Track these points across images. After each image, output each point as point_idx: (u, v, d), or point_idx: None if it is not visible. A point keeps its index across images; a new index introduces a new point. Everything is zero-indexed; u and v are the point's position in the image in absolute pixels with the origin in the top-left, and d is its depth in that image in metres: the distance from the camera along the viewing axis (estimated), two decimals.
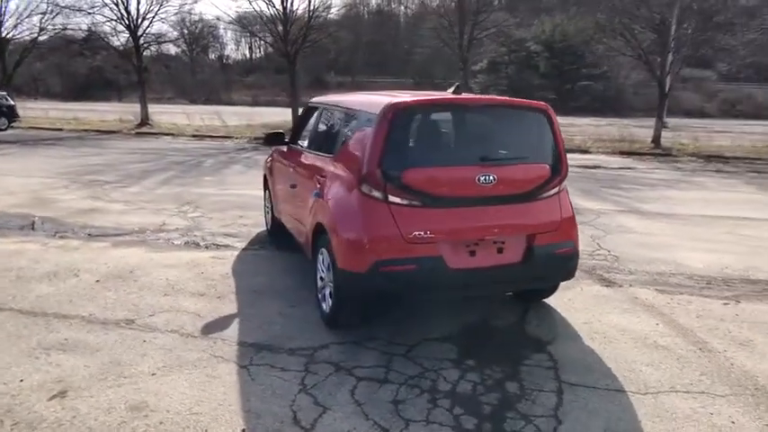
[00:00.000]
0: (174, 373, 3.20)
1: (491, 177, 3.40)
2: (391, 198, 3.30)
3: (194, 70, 49.91)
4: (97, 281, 4.68)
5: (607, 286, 4.67)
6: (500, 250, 3.49)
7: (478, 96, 3.73)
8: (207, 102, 41.69)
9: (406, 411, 2.86)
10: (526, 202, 3.56)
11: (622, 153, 15.04)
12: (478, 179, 3.38)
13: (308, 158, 4.38)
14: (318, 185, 3.89)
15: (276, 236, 5.95)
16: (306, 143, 4.74)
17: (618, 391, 3.07)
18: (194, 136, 18.51)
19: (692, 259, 5.42)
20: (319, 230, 3.84)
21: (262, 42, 58.40)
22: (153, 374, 3.19)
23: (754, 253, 5.70)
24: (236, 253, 5.54)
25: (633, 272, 5.04)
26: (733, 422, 2.80)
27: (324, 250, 3.76)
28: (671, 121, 17.02)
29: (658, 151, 15.25)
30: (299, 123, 5.31)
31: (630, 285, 4.71)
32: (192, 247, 5.75)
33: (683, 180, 10.72)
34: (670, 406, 2.92)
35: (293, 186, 4.65)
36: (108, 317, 3.97)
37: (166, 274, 4.87)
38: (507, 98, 3.78)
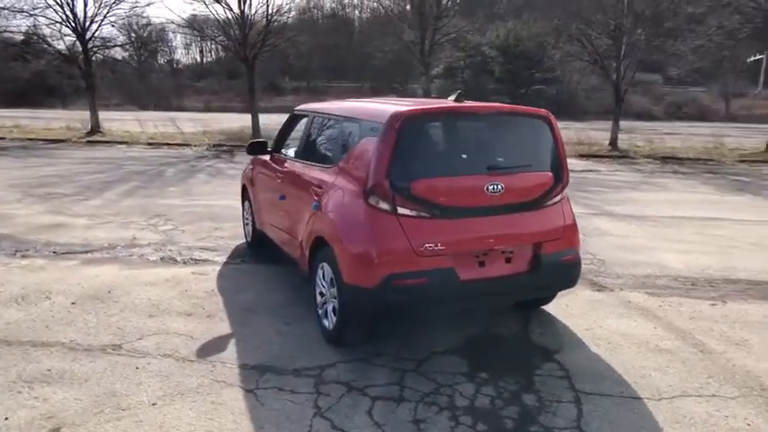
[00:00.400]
0: (177, 402, 3.01)
1: (499, 186, 3.36)
2: (400, 210, 3.21)
3: (142, 75, 48.35)
4: (73, 303, 4.39)
5: (599, 291, 4.72)
6: (508, 260, 3.45)
7: (483, 104, 3.68)
8: (157, 108, 40.40)
9: (429, 430, 2.77)
10: (532, 210, 3.54)
11: (582, 156, 15.43)
12: (487, 188, 3.34)
13: (301, 169, 4.23)
14: (316, 197, 3.76)
15: (258, 249, 5.77)
16: (294, 152, 4.59)
17: (633, 398, 3.08)
18: (150, 144, 17.84)
19: (673, 261, 5.56)
20: (319, 244, 3.71)
21: (213, 46, 57.22)
22: (153, 404, 2.99)
23: (727, 253, 5.90)
24: (217, 268, 5.31)
25: (621, 275, 5.11)
26: (749, 424, 2.84)
27: (325, 265, 3.63)
28: (622, 123, 17.58)
29: (616, 153, 15.73)
30: (284, 132, 5.14)
31: (621, 289, 4.77)
32: (170, 262, 5.48)
33: (645, 182, 11.07)
34: (686, 411, 2.95)
35: (283, 198, 4.49)
36: (92, 343, 3.71)
37: (148, 293, 4.62)
38: (511, 105, 3.75)
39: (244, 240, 6.18)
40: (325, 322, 3.72)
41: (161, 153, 15.76)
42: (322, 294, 3.78)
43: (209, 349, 3.64)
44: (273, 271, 5.19)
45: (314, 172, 3.98)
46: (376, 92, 42.59)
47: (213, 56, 57.92)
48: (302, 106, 4.96)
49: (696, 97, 32.69)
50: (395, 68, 43.97)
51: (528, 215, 3.52)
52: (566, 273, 3.66)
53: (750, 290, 4.78)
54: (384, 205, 3.22)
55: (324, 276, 3.68)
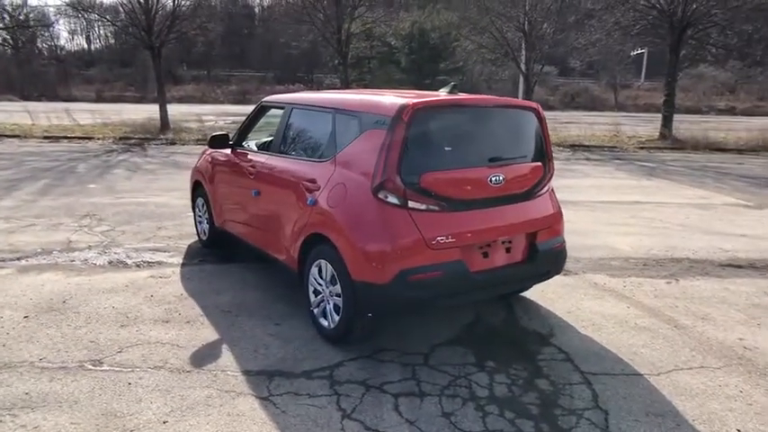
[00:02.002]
0: (189, 417, 2.79)
1: (500, 178, 3.43)
2: (411, 204, 3.18)
3: (22, 62, 43.81)
4: (26, 317, 3.92)
5: (565, 275, 4.96)
6: (508, 250, 3.53)
7: (482, 96, 3.72)
8: (43, 98, 36.87)
9: (463, 423, 2.79)
10: (526, 200, 3.64)
11: None
12: (490, 180, 3.39)
13: (283, 163, 4.04)
14: (310, 193, 3.62)
15: (215, 247, 5.47)
16: (272, 146, 4.37)
17: (635, 374, 3.28)
18: (46, 138, 16.26)
19: (619, 243, 5.97)
20: (314, 241, 3.58)
21: (102, 32, 53.01)
22: (164, 422, 2.75)
23: (663, 234, 6.43)
24: (176, 270, 4.97)
25: (579, 259, 5.41)
26: (741, 391, 3.13)
27: (323, 262, 3.52)
28: None
29: None
30: (248, 124, 4.89)
31: (584, 272, 5.05)
32: (120, 266, 5.05)
33: (565, 168, 11.75)
34: (685, 384, 3.19)
35: (258, 193, 4.27)
36: (66, 359, 3.34)
37: (109, 301, 4.23)
38: (506, 98, 3.81)
39: (195, 240, 5.84)
40: (323, 321, 3.61)
41: (62, 147, 14.43)
42: (317, 293, 3.66)
43: (203, 357, 3.40)
44: (241, 269, 4.95)
45: (302, 166, 3.82)
46: (282, 82, 41.72)
47: (102, 42, 53.80)
48: (273, 97, 4.73)
49: (588, 88, 35.19)
50: (301, 58, 43.30)
51: (523, 205, 3.62)
52: (557, 260, 3.82)
53: (693, 268, 5.25)
54: (394, 199, 3.17)
55: (321, 274, 3.56)
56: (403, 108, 3.18)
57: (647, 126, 21.49)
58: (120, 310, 4.08)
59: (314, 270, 3.64)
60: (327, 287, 3.53)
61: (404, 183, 3.16)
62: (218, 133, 4.98)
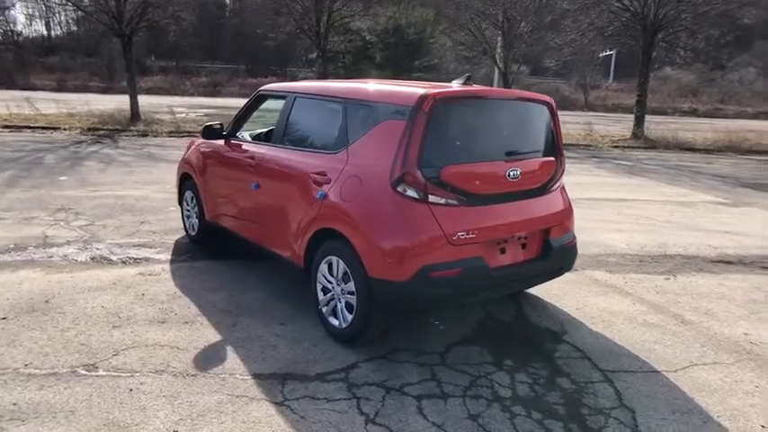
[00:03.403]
0: (202, 426, 2.61)
1: (517, 172, 3.34)
2: (431, 198, 3.06)
3: None
4: (3, 318, 3.65)
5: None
6: (524, 246, 3.45)
7: (499, 89, 3.61)
8: None
9: (491, 425, 2.69)
10: (540, 196, 3.57)
11: None
12: (508, 174, 3.30)
13: (287, 155, 3.86)
14: (319, 186, 3.45)
15: (206, 243, 5.24)
16: (273, 137, 4.17)
17: (653, 371, 3.25)
18: (6, 127, 15.49)
19: (613, 240, 5.98)
20: (324, 236, 3.43)
21: (63, 19, 51.05)
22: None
23: (652, 231, 6.48)
24: (165, 267, 4.73)
25: (578, 256, 5.37)
26: (756, 387, 3.12)
27: (334, 258, 3.37)
28: None
29: None
30: (244, 114, 4.68)
31: (584, 269, 5.03)
32: (105, 263, 4.78)
33: None
34: (702, 380, 3.17)
35: (257, 186, 4.08)
36: (56, 364, 3.10)
37: (97, 300, 3.98)
38: (521, 91, 3.72)
39: (182, 235, 5.59)
40: (334, 321, 3.46)
41: (26, 137, 13.77)
42: (326, 291, 3.51)
43: (208, 360, 3.21)
44: (236, 266, 4.74)
45: (309, 158, 3.64)
46: (254, 75, 41.00)
47: (63, 29, 51.84)
48: (272, 86, 4.53)
49: (559, 88, 35.67)
50: (274, 51, 42.62)
51: (538, 200, 3.55)
52: (570, 256, 3.76)
53: (687, 264, 5.29)
54: (413, 193, 3.04)
55: (332, 271, 3.41)
56: (424, 98, 3.06)
57: (617, 125, 21.90)
58: (110, 309, 3.84)
59: (323, 267, 3.48)
60: (339, 285, 3.38)
61: (424, 176, 3.04)
62: (211, 123, 4.75)
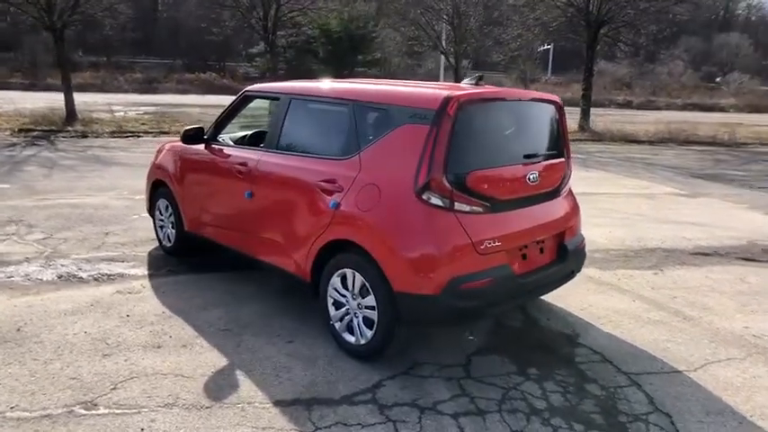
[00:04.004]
0: None
1: (536, 175, 3.26)
2: (457, 205, 2.92)
3: None
4: None
5: None
6: (541, 250, 3.38)
7: (515, 90, 3.50)
8: None
9: None
10: (554, 198, 3.52)
11: None
12: (528, 178, 3.21)
13: (285, 161, 3.60)
14: (329, 195, 3.24)
15: (183, 254, 4.89)
16: (266, 142, 3.89)
17: (675, 371, 3.26)
18: None
19: (594, 235, 6.04)
20: (336, 248, 3.23)
21: None
22: None
23: (627, 225, 6.63)
24: (144, 283, 4.38)
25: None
26: None
27: (349, 272, 3.18)
28: None
29: None
30: (226, 117, 4.37)
31: None
32: (75, 281, 4.37)
33: None
34: (723, 377, 3.21)
35: (251, 195, 3.81)
36: (47, 404, 2.76)
37: (78, 325, 3.61)
38: (533, 91, 3.63)
39: (154, 246, 5.21)
40: (349, 337, 3.27)
41: None
42: (338, 305, 3.31)
43: (220, 388, 2.96)
44: (224, 280, 4.45)
45: (314, 165, 3.42)
46: (192, 70, 39.47)
47: None
48: (261, 86, 4.23)
49: (501, 82, 36.36)
50: (211, 46, 41.21)
51: (553, 203, 3.50)
52: (581, 258, 3.73)
53: (669, 257, 5.42)
54: (439, 201, 2.90)
55: (347, 285, 3.22)
56: (448, 100, 2.91)
57: None
58: (94, 335, 3.49)
59: (335, 280, 3.28)
60: (355, 299, 3.19)
61: (449, 183, 2.90)
62: (191, 127, 4.42)
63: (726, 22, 40.20)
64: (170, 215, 4.86)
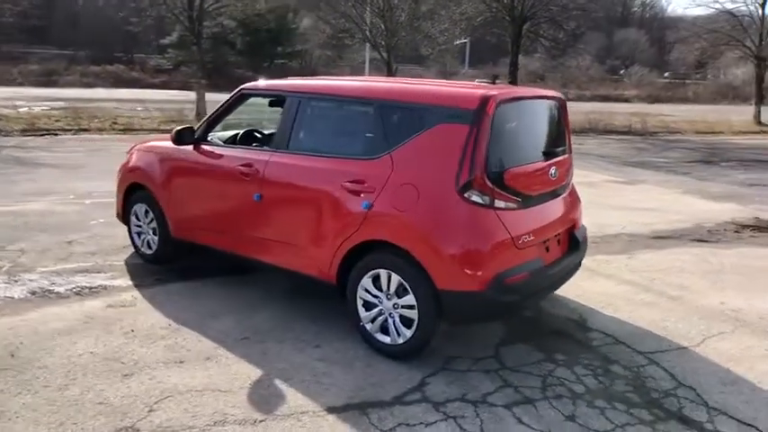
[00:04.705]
0: None
1: (555, 171, 3.40)
2: (496, 202, 2.99)
3: None
4: None
5: None
6: (558, 242, 3.54)
7: (528, 88, 3.59)
8: None
9: (591, 423, 2.75)
10: (566, 192, 3.68)
11: None
12: (550, 174, 3.35)
13: (302, 162, 3.49)
14: (357, 195, 3.20)
15: (165, 261, 4.63)
16: (275, 142, 3.74)
17: (681, 348, 3.54)
18: None
19: None
20: (366, 249, 3.21)
21: None
22: None
23: (585, 213, 6.98)
24: (135, 294, 4.10)
25: None
26: (766, 350, 3.55)
27: (383, 272, 3.17)
28: None
29: None
30: (219, 116, 4.17)
31: None
32: (54, 297, 4.01)
33: None
34: (724, 351, 3.52)
35: (261, 198, 3.67)
36: None
37: (79, 344, 3.34)
38: (544, 89, 3.75)
39: (129, 254, 4.88)
40: (383, 337, 3.26)
41: None
42: (369, 306, 3.29)
43: (266, 400, 2.86)
44: (221, 286, 4.27)
45: (337, 166, 3.34)
46: (97, 62, 36.82)
47: None
48: (261, 84, 4.07)
49: (422, 75, 37.01)
50: (116, 35, 38.73)
51: (565, 197, 3.67)
52: (586, 248, 3.93)
53: (634, 242, 5.82)
54: (480, 198, 2.96)
55: (380, 286, 3.20)
56: (487, 100, 2.96)
57: None
58: (104, 355, 3.24)
59: (366, 281, 3.26)
60: (390, 299, 3.19)
61: (490, 180, 2.96)
62: (183, 127, 4.17)
63: (624, 19, 43.44)
64: (150, 221, 4.57)
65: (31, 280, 4.30)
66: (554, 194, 3.46)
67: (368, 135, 3.31)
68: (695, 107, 29.24)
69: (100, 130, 13.93)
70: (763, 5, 20.01)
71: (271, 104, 4.28)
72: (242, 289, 4.21)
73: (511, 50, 18.28)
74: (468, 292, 2.93)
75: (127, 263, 4.74)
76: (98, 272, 4.52)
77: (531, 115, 3.39)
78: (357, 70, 38.36)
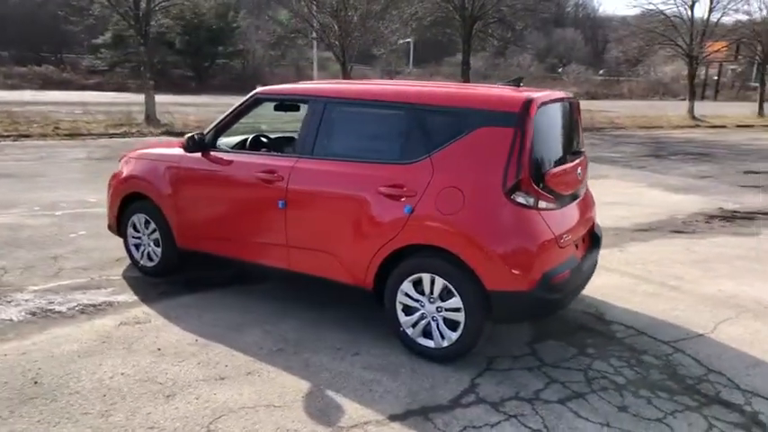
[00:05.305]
0: None
1: (580, 170, 3.51)
2: (540, 203, 3.06)
3: None
4: (10, 411, 2.70)
5: None
6: (583, 240, 3.65)
7: (556, 91, 3.64)
8: None
9: (643, 412, 2.87)
10: (586, 191, 3.80)
11: None
12: (577, 173, 3.45)
13: (329, 167, 3.42)
14: (397, 200, 3.18)
15: (168, 273, 4.43)
16: (299, 147, 3.63)
17: (698, 335, 3.74)
18: None
19: None
20: (406, 253, 3.20)
21: None
22: None
23: None
24: (146, 310, 3.90)
25: None
26: None
27: (426, 276, 3.16)
28: None
29: None
30: (230, 121, 4.02)
31: None
32: (56, 317, 3.76)
33: None
34: (735, 335, 3.75)
35: (286, 205, 3.57)
36: None
37: (105, 367, 3.15)
38: (563, 92, 3.82)
39: (125, 268, 4.64)
40: (427, 341, 3.26)
41: None
42: (409, 311, 3.29)
43: (325, 412, 2.80)
44: (235, 296, 4.15)
45: (371, 171, 3.30)
46: (22, 62, 34.53)
47: None
48: (278, 88, 3.93)
49: (366, 74, 37.06)
50: (43, 35, 36.57)
51: (587, 195, 3.79)
52: (600, 245, 4.06)
53: (619, 235, 6.07)
54: (525, 200, 3.01)
55: (421, 290, 3.20)
56: (530, 102, 3.02)
57: None
58: (136, 376, 3.07)
59: (406, 286, 3.25)
60: (433, 303, 3.19)
61: (535, 182, 3.02)
62: (195, 134, 3.99)
63: (560, 19, 45.23)
64: (152, 231, 4.37)
65: (25, 300, 4.02)
66: (578, 194, 3.57)
67: (402, 139, 3.30)
68: (630, 103, 30.81)
69: (43, 136, 13.13)
70: (692, 7, 21.35)
71: (276, 108, 4.20)
72: (259, 299, 4.10)
73: (463, 50, 18.61)
74: (517, 292, 2.98)
75: (125, 277, 4.50)
76: (97, 288, 4.27)
77: (560, 117, 3.47)
78: (302, 70, 38.09)
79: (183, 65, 36.76)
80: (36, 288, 4.22)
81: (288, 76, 39.08)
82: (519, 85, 3.54)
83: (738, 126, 20.71)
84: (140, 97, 16.50)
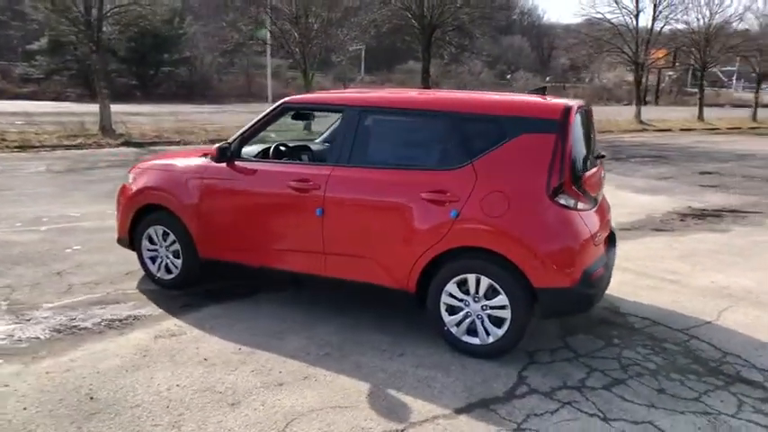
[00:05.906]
0: None
1: (603, 173, 3.77)
2: (579, 204, 3.28)
3: None
4: (77, 427, 2.65)
5: None
6: (604, 240, 3.89)
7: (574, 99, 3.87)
8: None
9: (680, 393, 3.12)
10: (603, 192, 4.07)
11: None
12: (602, 176, 3.70)
13: (369, 175, 3.52)
14: (442, 205, 3.32)
15: (187, 285, 4.39)
16: (337, 156, 3.69)
17: (707, 323, 4.05)
18: None
19: None
20: (449, 256, 3.35)
21: None
22: None
23: None
24: (178, 323, 3.85)
25: None
26: None
27: (472, 276, 3.32)
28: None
29: None
30: (256, 130, 4.04)
31: None
32: (84, 333, 3.67)
33: None
34: (739, 321, 4.09)
35: (323, 212, 3.63)
36: None
37: (157, 379, 3.13)
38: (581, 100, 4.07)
39: (138, 280, 4.56)
40: (471, 339, 3.41)
41: None
42: (453, 310, 3.43)
43: (394, 411, 2.90)
44: (265, 303, 4.19)
45: (413, 177, 3.43)
46: None
47: None
48: (308, 97, 3.99)
49: (320, 82, 37.03)
50: None
51: (603, 197, 4.04)
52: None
53: None
54: (567, 201, 3.22)
55: (467, 289, 3.35)
56: (569, 110, 3.23)
57: None
58: (194, 387, 3.07)
59: (450, 287, 3.39)
60: (477, 302, 3.34)
61: (575, 185, 3.24)
62: (224, 143, 3.98)
63: (508, 27, 46.67)
64: (171, 243, 4.31)
65: (44, 317, 3.90)
66: (600, 196, 3.82)
67: (443, 146, 3.45)
68: None
69: (9, 148, 12.48)
70: (636, 17, 22.64)
71: (294, 118, 4.27)
72: (289, 307, 4.13)
73: (423, 57, 18.97)
74: (562, 289, 3.18)
75: (141, 290, 4.42)
76: (116, 302, 4.19)
77: (585, 123, 3.71)
78: (253, 77, 37.62)
79: (127, 73, 35.54)
80: (51, 305, 4.09)
81: (237, 83, 38.60)
82: (544, 95, 3.75)
83: (682, 129, 22.10)
84: (83, 107, 15.95)
